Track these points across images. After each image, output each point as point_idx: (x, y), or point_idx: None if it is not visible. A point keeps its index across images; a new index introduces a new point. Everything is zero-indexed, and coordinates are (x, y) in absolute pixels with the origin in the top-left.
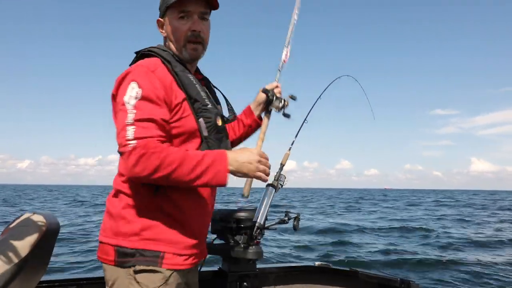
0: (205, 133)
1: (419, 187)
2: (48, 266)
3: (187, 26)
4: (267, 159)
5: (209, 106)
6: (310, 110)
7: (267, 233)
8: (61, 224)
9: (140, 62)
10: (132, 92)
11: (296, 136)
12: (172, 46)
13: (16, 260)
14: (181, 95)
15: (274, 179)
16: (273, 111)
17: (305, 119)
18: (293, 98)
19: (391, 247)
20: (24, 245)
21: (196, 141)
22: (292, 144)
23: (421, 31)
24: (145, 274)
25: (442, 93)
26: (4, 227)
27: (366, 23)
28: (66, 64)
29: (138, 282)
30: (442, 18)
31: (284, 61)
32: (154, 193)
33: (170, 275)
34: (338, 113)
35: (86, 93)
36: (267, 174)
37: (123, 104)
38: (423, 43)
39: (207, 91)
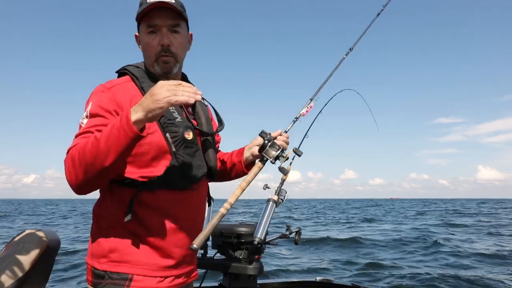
0: (173, 148)
1: (425, 196)
2: (48, 281)
3: (156, 41)
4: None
5: (177, 119)
6: (311, 125)
7: (287, 248)
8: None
9: (105, 82)
10: (87, 110)
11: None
12: (147, 61)
13: (17, 276)
14: None
15: (275, 194)
16: (269, 161)
17: (305, 134)
18: (297, 153)
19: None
20: (25, 261)
21: (167, 157)
22: (292, 159)
23: (423, 40)
24: None
25: (444, 101)
26: (6, 242)
27: (367, 32)
28: (71, 77)
29: None
30: (443, 26)
31: (303, 114)
32: (125, 214)
33: None
34: (341, 123)
35: None
36: (192, 93)
37: (79, 127)
38: (425, 52)
39: (182, 104)
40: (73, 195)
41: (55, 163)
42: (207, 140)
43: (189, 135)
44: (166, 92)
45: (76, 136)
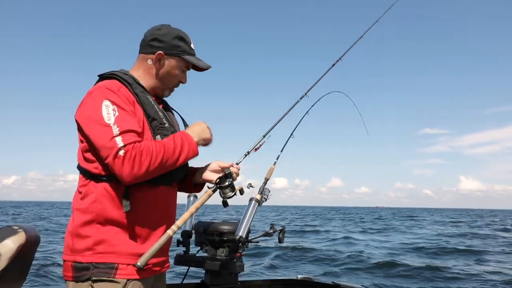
0: None
1: (410, 206)
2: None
3: (180, 78)
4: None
5: (166, 125)
6: (297, 126)
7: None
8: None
9: (102, 84)
10: (109, 110)
11: (281, 150)
12: (157, 82)
13: None
14: (140, 113)
15: (258, 193)
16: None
17: (291, 134)
18: (241, 193)
19: None
20: (3, 257)
21: None
22: (277, 158)
23: (410, 50)
24: (102, 284)
25: (429, 112)
26: None
27: (351, 40)
28: (55, 79)
29: None
30: (428, 37)
31: (256, 149)
32: (113, 208)
33: (126, 284)
34: (329, 131)
35: (70, 108)
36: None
37: (103, 120)
38: (410, 61)
39: (165, 112)
40: (55, 198)
41: (37, 165)
42: None
43: None
44: (210, 131)
45: (124, 132)
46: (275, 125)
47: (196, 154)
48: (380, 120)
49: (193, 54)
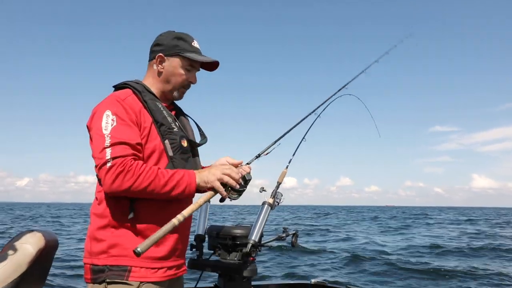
0: (171, 153)
1: (421, 204)
2: (46, 281)
3: (188, 76)
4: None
5: (175, 129)
6: (309, 129)
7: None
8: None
9: (112, 94)
10: (108, 120)
11: (293, 154)
12: (165, 84)
13: (14, 277)
14: (149, 119)
15: (271, 197)
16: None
17: (303, 138)
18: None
19: None
20: (22, 262)
21: (164, 161)
22: (289, 162)
23: (420, 47)
24: (116, 286)
25: (440, 110)
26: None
27: (361, 38)
28: (66, 81)
29: None
30: (439, 35)
31: (266, 153)
32: (124, 214)
33: (139, 286)
34: (337, 130)
35: (87, 110)
36: (234, 179)
37: (100, 130)
38: (421, 59)
39: (175, 117)
40: (66, 200)
41: (48, 167)
42: (194, 149)
43: (185, 143)
44: (226, 171)
45: (115, 144)
46: (287, 133)
47: (192, 194)
48: (389, 117)
49: (195, 52)
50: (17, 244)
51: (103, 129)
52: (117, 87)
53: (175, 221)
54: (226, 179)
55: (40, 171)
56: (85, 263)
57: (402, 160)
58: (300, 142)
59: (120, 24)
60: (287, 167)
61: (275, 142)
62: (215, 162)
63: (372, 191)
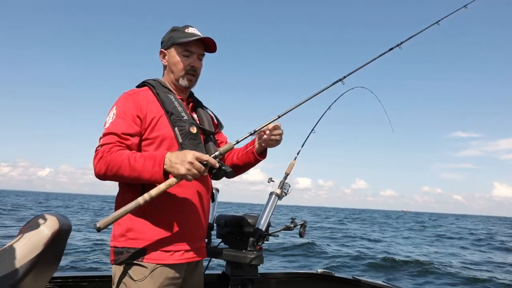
0: (180, 140)
1: (438, 211)
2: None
3: (188, 62)
4: (204, 161)
5: (184, 117)
6: (319, 121)
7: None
8: None
9: (129, 90)
10: (110, 114)
11: (302, 145)
12: (170, 75)
13: (30, 257)
14: (160, 110)
15: (278, 187)
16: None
17: (312, 129)
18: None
19: None
20: (38, 243)
21: (175, 147)
22: (298, 153)
23: (442, 54)
24: (133, 267)
25: (462, 115)
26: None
27: (386, 40)
28: (87, 72)
29: (128, 274)
30: (463, 41)
31: (260, 130)
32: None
33: (155, 268)
34: (353, 132)
35: (109, 101)
36: (192, 175)
37: (105, 124)
38: (443, 66)
39: (193, 108)
40: (84, 191)
41: (68, 159)
42: (209, 137)
43: (194, 130)
44: (188, 167)
45: (104, 134)
46: (287, 112)
47: (159, 181)
48: (408, 121)
49: (188, 37)
50: (34, 226)
51: (107, 121)
52: (138, 86)
53: (140, 200)
54: (189, 178)
55: (61, 162)
56: (110, 246)
57: (420, 165)
58: (310, 134)
59: (146, 18)
60: (295, 159)
61: (273, 120)
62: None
63: (388, 195)
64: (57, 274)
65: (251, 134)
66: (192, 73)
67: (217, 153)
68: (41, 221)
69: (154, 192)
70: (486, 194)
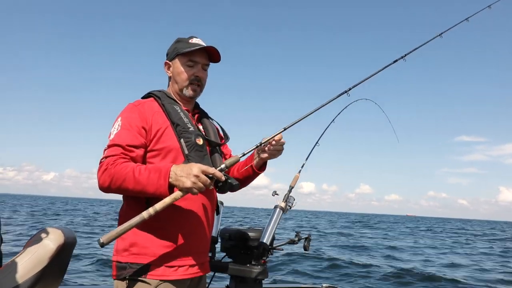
0: (186, 151)
1: (443, 216)
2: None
3: (192, 72)
4: (210, 174)
5: (190, 129)
6: (322, 134)
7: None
8: None
9: (134, 101)
10: (115, 125)
11: (306, 159)
12: (175, 85)
13: (36, 271)
14: (165, 121)
15: (283, 201)
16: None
17: (316, 142)
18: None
19: None
20: (43, 257)
21: (180, 159)
22: (302, 167)
23: (445, 58)
24: (136, 283)
25: (466, 119)
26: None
27: (387, 44)
28: (89, 77)
29: None
30: (466, 45)
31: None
32: (145, 205)
33: (159, 285)
34: (357, 137)
35: (113, 106)
36: (198, 189)
37: (110, 135)
38: (447, 70)
39: (199, 119)
40: (89, 195)
41: (73, 163)
42: (215, 149)
43: (200, 141)
44: (194, 180)
45: (109, 146)
46: (292, 125)
47: (164, 195)
48: (412, 125)
49: (192, 47)
50: (39, 240)
51: (111, 134)
52: (144, 97)
53: (144, 214)
54: (195, 191)
55: (65, 166)
56: (112, 260)
57: (425, 169)
58: (314, 147)
59: (158, 22)
60: (299, 172)
61: (279, 132)
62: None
63: (392, 200)
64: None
65: (257, 147)
66: (197, 83)
67: (223, 166)
68: (45, 235)
69: (159, 206)
70: (491, 199)
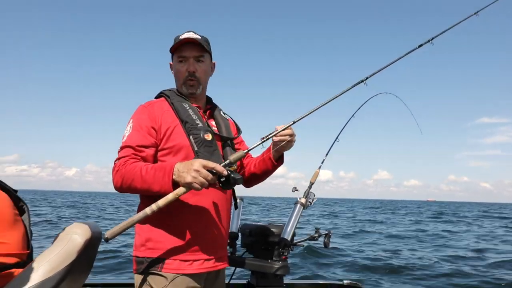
0: (196, 148)
1: (464, 200)
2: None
3: (184, 68)
4: (211, 169)
5: (199, 125)
6: (342, 129)
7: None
8: None
9: (145, 102)
10: (127, 127)
11: (326, 154)
12: (176, 84)
13: (65, 264)
14: (175, 120)
15: (303, 196)
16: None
17: (336, 138)
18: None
19: None
20: (72, 251)
21: (191, 155)
22: (322, 162)
23: (465, 39)
24: (153, 277)
25: (488, 100)
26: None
27: (409, 31)
28: (115, 73)
29: (149, 284)
30: (488, 27)
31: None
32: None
33: (175, 278)
34: (375, 123)
35: (131, 104)
36: (199, 183)
37: (123, 137)
38: (467, 53)
39: (211, 115)
40: (109, 189)
41: (93, 158)
42: (227, 144)
43: (209, 137)
44: (195, 175)
45: (122, 148)
46: (303, 117)
47: (169, 192)
48: (431, 108)
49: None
50: (67, 234)
51: (124, 136)
52: (156, 97)
53: (147, 210)
54: (196, 186)
55: (86, 162)
56: (132, 256)
57: (445, 153)
58: (333, 143)
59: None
60: (320, 168)
61: (288, 126)
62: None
63: (412, 185)
64: (87, 281)
65: (263, 141)
66: (191, 79)
67: (227, 161)
68: (74, 229)
69: (161, 202)
70: None
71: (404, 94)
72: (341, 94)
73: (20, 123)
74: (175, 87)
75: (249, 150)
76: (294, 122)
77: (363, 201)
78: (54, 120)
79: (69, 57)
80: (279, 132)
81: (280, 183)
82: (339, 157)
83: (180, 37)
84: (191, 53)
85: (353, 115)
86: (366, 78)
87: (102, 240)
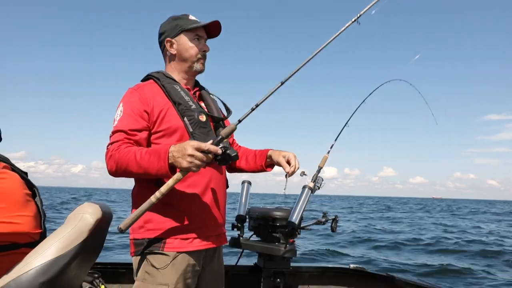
0: (191, 129)
1: (471, 197)
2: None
3: (200, 47)
4: (206, 151)
5: (192, 106)
6: (352, 114)
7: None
8: None
9: (134, 85)
10: (118, 112)
11: (335, 139)
12: (181, 63)
13: (77, 242)
14: (167, 102)
15: (311, 181)
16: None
17: (346, 123)
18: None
19: None
20: (83, 230)
21: (186, 137)
22: (331, 147)
23: (473, 36)
24: (155, 256)
25: (495, 98)
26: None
27: (417, 27)
28: (118, 68)
29: (150, 263)
30: (494, 23)
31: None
32: (154, 191)
33: (176, 256)
34: (381, 118)
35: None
36: (196, 167)
37: (114, 122)
38: (474, 49)
39: (201, 96)
40: (116, 186)
41: (99, 155)
42: (219, 124)
43: (203, 118)
44: (189, 159)
45: (113, 132)
46: (289, 77)
47: (166, 176)
48: (436, 105)
49: (194, 23)
50: (79, 214)
51: (114, 121)
52: (143, 80)
53: (152, 199)
54: (194, 170)
55: (92, 158)
56: (130, 239)
57: (451, 150)
58: (343, 128)
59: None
60: (328, 152)
61: (277, 88)
62: (280, 151)
63: (418, 182)
64: (97, 260)
65: (252, 110)
66: (204, 57)
67: (219, 137)
68: (85, 209)
69: (164, 189)
70: None
71: (408, 89)
72: (333, 39)
73: (26, 120)
74: (164, 69)
75: (239, 122)
76: (282, 83)
77: (369, 197)
78: (57, 117)
79: (75, 52)
80: (270, 94)
81: (284, 180)
82: (344, 153)
83: (191, 18)
84: (204, 35)
85: (363, 101)
86: (358, 17)
87: (119, 230)
